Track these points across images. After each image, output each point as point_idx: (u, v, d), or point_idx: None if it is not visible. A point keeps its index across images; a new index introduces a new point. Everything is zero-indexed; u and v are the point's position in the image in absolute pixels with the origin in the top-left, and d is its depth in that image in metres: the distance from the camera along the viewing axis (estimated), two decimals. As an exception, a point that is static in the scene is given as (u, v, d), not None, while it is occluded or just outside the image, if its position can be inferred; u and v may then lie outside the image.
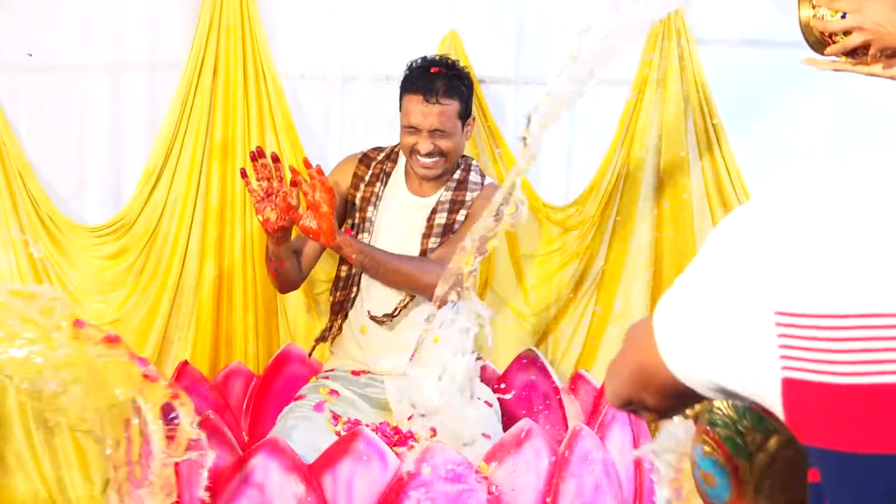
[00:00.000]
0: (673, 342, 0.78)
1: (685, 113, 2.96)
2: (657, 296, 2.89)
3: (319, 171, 2.35)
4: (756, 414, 1.00)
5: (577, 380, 2.68)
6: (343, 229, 2.48)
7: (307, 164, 2.37)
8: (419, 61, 2.56)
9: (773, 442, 0.97)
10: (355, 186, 2.62)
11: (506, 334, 3.04)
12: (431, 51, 2.89)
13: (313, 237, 2.37)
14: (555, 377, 2.68)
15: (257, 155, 2.38)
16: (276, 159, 2.38)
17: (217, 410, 2.35)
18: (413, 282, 2.45)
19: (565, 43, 3.03)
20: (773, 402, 0.72)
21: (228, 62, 2.92)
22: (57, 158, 2.97)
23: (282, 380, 2.70)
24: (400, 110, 2.55)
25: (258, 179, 2.38)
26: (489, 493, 2.03)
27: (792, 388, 0.69)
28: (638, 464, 2.31)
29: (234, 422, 2.58)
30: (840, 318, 0.66)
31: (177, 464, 2.09)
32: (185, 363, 2.62)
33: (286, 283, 2.60)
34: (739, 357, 0.72)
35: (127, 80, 2.96)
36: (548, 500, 2.08)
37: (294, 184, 2.37)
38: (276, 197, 2.37)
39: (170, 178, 2.92)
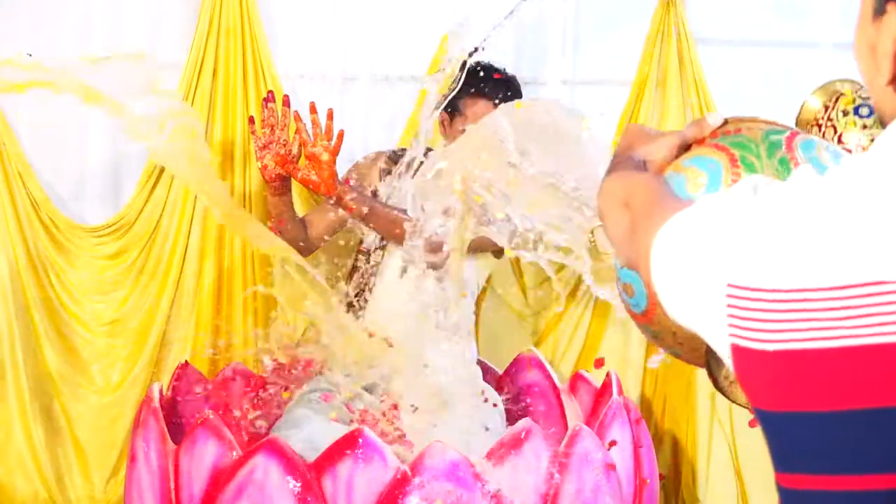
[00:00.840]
0: (662, 288, 0.86)
1: (685, 113, 2.97)
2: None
3: (329, 116, 2.30)
4: None
5: (576, 380, 2.68)
6: (343, 180, 2.41)
7: (312, 109, 2.32)
8: (475, 65, 2.51)
9: None
10: (380, 179, 2.62)
11: (506, 334, 3.04)
12: (431, 51, 2.89)
13: (313, 189, 2.33)
14: (554, 377, 2.68)
15: (269, 99, 2.35)
16: (286, 103, 2.35)
17: (217, 410, 2.35)
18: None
19: (563, 43, 3.04)
20: (729, 365, 0.81)
21: (228, 62, 2.92)
22: (57, 158, 2.97)
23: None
24: (457, 111, 2.52)
25: (263, 126, 2.36)
26: (489, 493, 2.03)
27: (738, 354, 0.78)
28: (637, 463, 2.31)
29: (234, 422, 2.58)
30: (775, 293, 0.75)
31: (177, 461, 2.09)
32: (185, 363, 2.62)
33: (293, 245, 2.54)
34: (702, 320, 0.82)
35: (126, 77, 2.96)
36: (547, 500, 2.07)
37: (296, 131, 2.32)
38: (276, 145, 2.34)
39: (170, 178, 2.92)
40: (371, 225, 2.43)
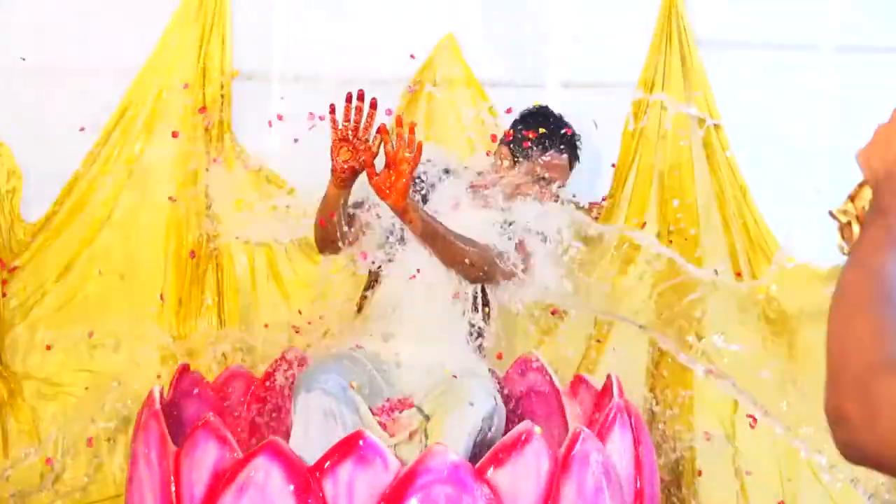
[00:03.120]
0: None
1: (687, 116, 2.97)
2: (658, 297, 2.89)
3: (412, 130, 2.29)
4: None
5: (577, 382, 2.68)
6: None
7: (399, 123, 2.31)
8: (552, 118, 2.66)
9: None
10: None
11: (506, 336, 3.04)
12: (427, 53, 2.90)
13: (382, 196, 2.30)
14: (555, 379, 2.68)
15: (357, 98, 2.33)
16: (373, 105, 2.33)
17: (217, 412, 2.35)
18: (462, 259, 2.44)
19: (561, 45, 3.04)
20: None
21: (225, 65, 2.92)
22: (56, 159, 2.98)
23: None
24: (527, 158, 2.61)
25: (345, 120, 2.34)
26: (489, 495, 2.03)
27: None
28: (638, 465, 2.30)
29: (234, 424, 2.59)
30: None
31: (178, 463, 2.09)
32: (186, 365, 2.62)
33: (326, 239, 2.52)
34: None
35: (125, 82, 2.97)
36: (548, 502, 2.07)
37: (380, 131, 2.30)
38: (359, 142, 2.32)
39: (155, 186, 2.93)
40: (429, 245, 2.43)
